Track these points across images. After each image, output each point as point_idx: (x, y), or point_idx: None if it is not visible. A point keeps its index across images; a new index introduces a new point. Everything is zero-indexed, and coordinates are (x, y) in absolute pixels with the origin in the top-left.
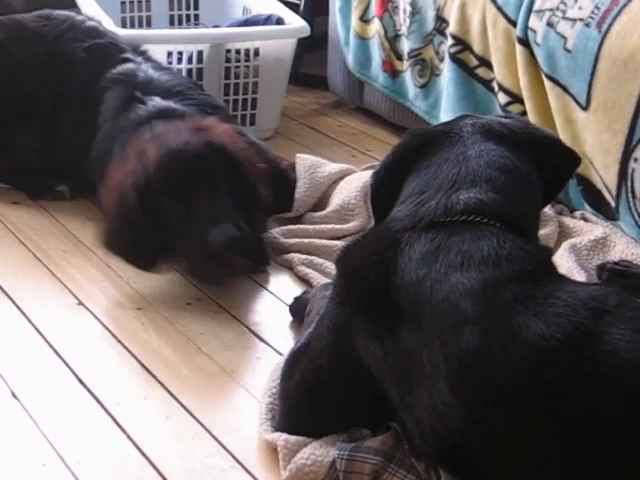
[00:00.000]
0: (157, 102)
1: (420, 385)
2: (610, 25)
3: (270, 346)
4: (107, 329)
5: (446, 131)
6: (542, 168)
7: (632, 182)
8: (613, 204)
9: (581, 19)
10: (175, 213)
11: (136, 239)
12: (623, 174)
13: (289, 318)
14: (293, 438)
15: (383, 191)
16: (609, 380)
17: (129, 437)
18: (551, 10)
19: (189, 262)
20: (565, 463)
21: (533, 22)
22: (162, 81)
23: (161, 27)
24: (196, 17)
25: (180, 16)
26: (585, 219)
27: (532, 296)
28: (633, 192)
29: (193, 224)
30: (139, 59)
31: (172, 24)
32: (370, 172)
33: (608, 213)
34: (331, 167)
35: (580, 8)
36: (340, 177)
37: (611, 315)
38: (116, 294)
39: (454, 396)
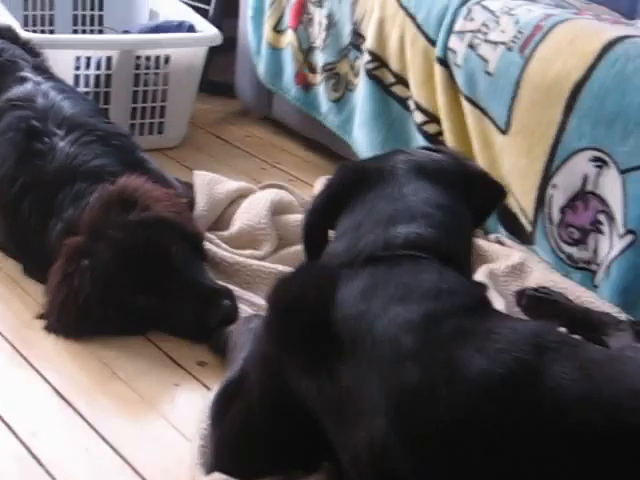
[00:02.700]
0: (62, 151)
1: (358, 421)
2: (533, 50)
3: (188, 372)
4: (17, 351)
5: (379, 168)
6: (471, 201)
7: (550, 208)
8: (529, 229)
9: (503, 43)
10: (150, 306)
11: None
12: (541, 200)
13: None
14: (225, 478)
15: (316, 230)
16: (552, 418)
17: (47, 471)
18: (472, 32)
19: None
20: None
21: (453, 43)
22: (64, 108)
23: (64, 27)
24: (100, 18)
25: (84, 16)
26: (500, 242)
27: (473, 331)
28: (550, 218)
29: (177, 310)
30: (39, 78)
31: (75, 24)
32: (273, 191)
33: (523, 237)
34: (230, 184)
35: (503, 32)
36: (239, 195)
37: (553, 352)
38: (26, 313)
39: (394, 432)
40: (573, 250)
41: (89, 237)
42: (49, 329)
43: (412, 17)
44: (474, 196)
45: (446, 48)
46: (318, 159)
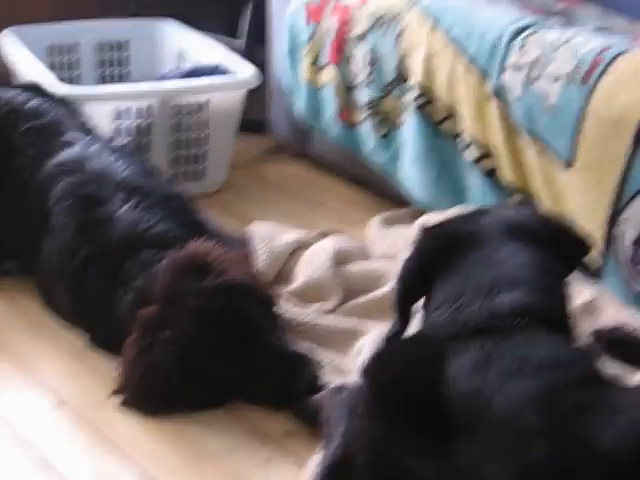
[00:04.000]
0: (124, 218)
1: None
2: (595, 83)
3: (278, 444)
4: (100, 431)
5: (469, 232)
6: (560, 257)
7: (621, 243)
8: (598, 263)
9: (563, 76)
10: (233, 375)
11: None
12: (610, 235)
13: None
14: None
15: (408, 299)
16: None
17: None
18: (529, 65)
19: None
20: None
21: (509, 76)
22: (117, 171)
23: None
24: (127, 75)
25: (112, 75)
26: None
27: (596, 403)
28: (622, 253)
29: (261, 379)
30: (85, 140)
31: (102, 66)
32: (332, 239)
33: (591, 272)
34: (288, 236)
35: (561, 64)
36: (298, 246)
37: None
38: (98, 390)
39: None
40: None
41: (164, 306)
42: (126, 406)
43: (462, 51)
44: (562, 251)
45: (501, 82)
46: (364, 197)
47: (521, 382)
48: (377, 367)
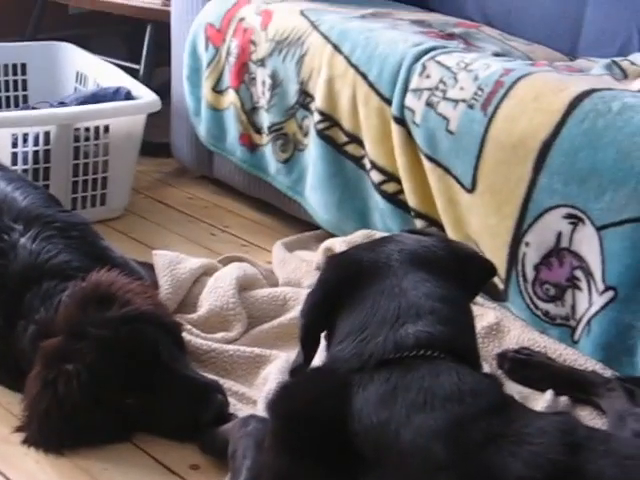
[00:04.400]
0: (24, 248)
1: None
2: (496, 108)
3: (182, 478)
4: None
5: (373, 261)
6: (465, 282)
7: (523, 266)
8: (501, 286)
9: (464, 100)
10: (139, 406)
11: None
12: (513, 257)
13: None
14: None
15: (314, 330)
16: None
17: None
18: (430, 90)
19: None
20: None
21: (410, 101)
22: (16, 200)
23: None
24: (25, 98)
25: (8, 97)
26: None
27: (503, 434)
28: (524, 276)
29: (168, 408)
30: None
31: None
32: (235, 265)
33: (495, 295)
34: (191, 263)
35: (462, 89)
36: (202, 273)
37: (586, 450)
38: (1, 428)
39: None
40: (549, 307)
41: (68, 338)
42: (29, 442)
43: (363, 75)
44: (467, 277)
45: (403, 107)
46: (268, 220)
47: (428, 415)
48: (282, 400)
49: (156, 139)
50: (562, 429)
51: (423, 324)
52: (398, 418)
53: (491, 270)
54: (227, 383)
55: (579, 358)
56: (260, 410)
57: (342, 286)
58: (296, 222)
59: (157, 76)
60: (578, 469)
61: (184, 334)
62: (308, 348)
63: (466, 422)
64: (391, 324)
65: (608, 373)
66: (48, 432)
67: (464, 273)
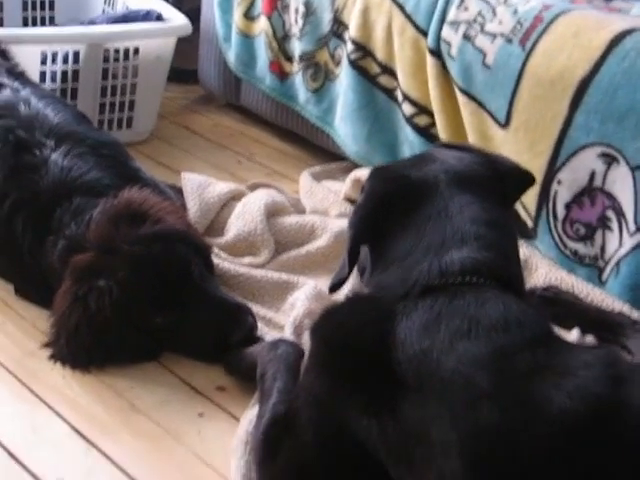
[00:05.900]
0: (55, 164)
1: (426, 464)
2: (535, 43)
3: (210, 400)
4: (25, 385)
5: (421, 181)
6: (507, 198)
7: (554, 204)
8: (530, 224)
9: (502, 34)
10: (169, 325)
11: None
12: (544, 195)
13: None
14: None
15: (361, 243)
16: None
17: None
18: (467, 22)
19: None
20: None
21: (447, 33)
22: (48, 117)
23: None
24: (52, 19)
25: (35, 18)
26: None
27: (548, 366)
28: (555, 214)
29: (198, 328)
30: (16, 84)
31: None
32: (264, 192)
33: (524, 232)
34: (220, 187)
35: (500, 22)
36: (230, 198)
37: (629, 382)
38: (25, 341)
39: (471, 476)
40: (579, 246)
41: (99, 254)
42: (56, 358)
43: (400, 5)
44: (509, 193)
45: (439, 39)
46: (294, 150)
47: (471, 343)
48: (326, 326)
49: (183, 66)
50: (606, 362)
51: (468, 250)
52: (440, 346)
53: (531, 180)
54: (254, 307)
55: (606, 299)
56: (287, 334)
57: (391, 200)
58: (322, 152)
59: (186, 1)
60: (620, 402)
61: (212, 257)
62: (353, 260)
63: (511, 352)
64: (436, 250)
65: (635, 314)
66: (76, 348)
67: (505, 187)
